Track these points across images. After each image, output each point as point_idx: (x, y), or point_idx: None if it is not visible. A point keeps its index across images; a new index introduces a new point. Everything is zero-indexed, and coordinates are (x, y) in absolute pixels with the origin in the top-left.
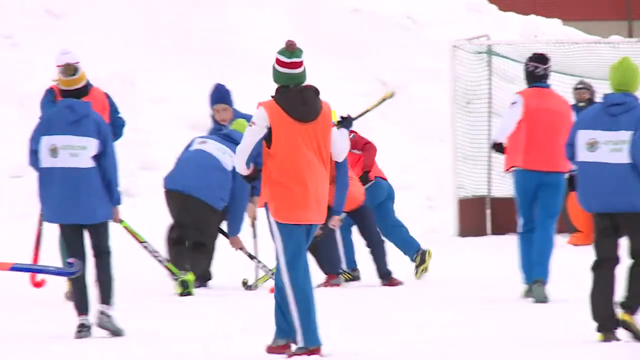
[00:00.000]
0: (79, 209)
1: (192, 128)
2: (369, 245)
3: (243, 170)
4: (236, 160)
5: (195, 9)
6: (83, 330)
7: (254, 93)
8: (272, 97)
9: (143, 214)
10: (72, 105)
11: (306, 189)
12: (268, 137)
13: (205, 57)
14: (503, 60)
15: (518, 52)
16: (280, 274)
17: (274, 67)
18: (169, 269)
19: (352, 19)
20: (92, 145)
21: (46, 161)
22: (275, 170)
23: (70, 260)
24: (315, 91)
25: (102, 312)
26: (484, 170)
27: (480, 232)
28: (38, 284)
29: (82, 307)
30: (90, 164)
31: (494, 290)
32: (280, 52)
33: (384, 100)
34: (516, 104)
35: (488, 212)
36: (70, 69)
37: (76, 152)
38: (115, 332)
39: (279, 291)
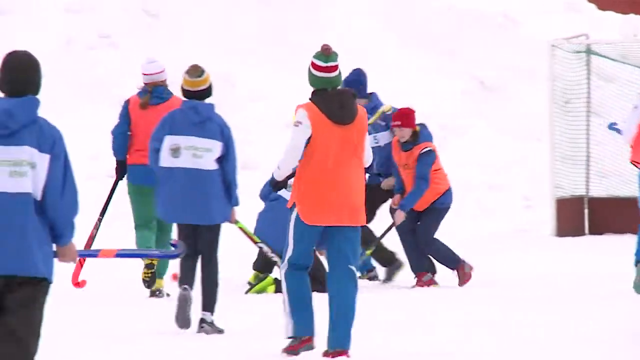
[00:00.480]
0: (198, 209)
1: (289, 127)
2: (421, 246)
3: (288, 172)
4: (286, 161)
5: (292, 7)
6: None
7: None
8: (311, 99)
9: (241, 212)
10: (196, 106)
11: (339, 191)
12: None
13: (303, 55)
14: (602, 59)
15: (617, 51)
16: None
17: (309, 71)
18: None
19: (446, 17)
20: (216, 147)
21: (167, 161)
22: (310, 172)
23: (173, 241)
24: (352, 94)
25: (203, 320)
26: (582, 170)
27: (578, 232)
28: (79, 284)
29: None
30: (214, 166)
31: (593, 288)
32: (316, 57)
33: (382, 113)
34: (638, 107)
35: (586, 212)
36: (197, 70)
37: (200, 153)
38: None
39: (296, 289)
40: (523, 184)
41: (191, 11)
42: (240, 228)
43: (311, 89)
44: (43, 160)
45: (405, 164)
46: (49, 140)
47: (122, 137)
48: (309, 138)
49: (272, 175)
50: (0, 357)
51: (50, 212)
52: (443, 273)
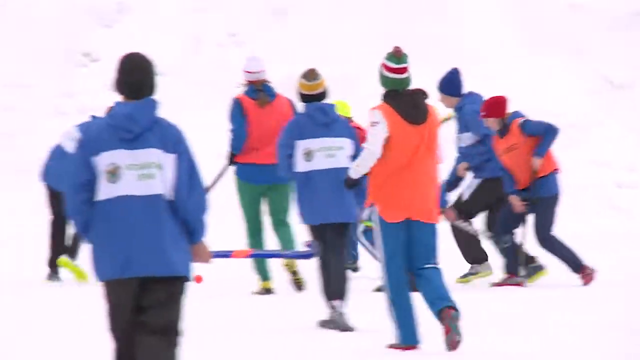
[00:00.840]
0: (342, 208)
1: None
2: (539, 243)
3: (366, 171)
4: (365, 160)
5: (418, 8)
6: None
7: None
8: (384, 100)
9: None
10: (323, 107)
11: (415, 188)
12: None
13: (428, 56)
14: None
15: None
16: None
17: (380, 73)
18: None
19: (574, 16)
20: (348, 145)
21: (302, 165)
22: (386, 170)
23: (307, 242)
24: (424, 94)
25: (334, 308)
26: None
27: None
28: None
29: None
30: (347, 163)
31: None
32: (388, 58)
33: (445, 120)
34: None
35: None
36: (313, 74)
37: (333, 152)
38: (345, 329)
39: (397, 299)
40: None
41: (319, 10)
42: (367, 226)
43: (383, 90)
44: (169, 160)
45: (508, 148)
46: (172, 140)
47: (244, 135)
48: (387, 138)
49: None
50: (144, 355)
51: (181, 211)
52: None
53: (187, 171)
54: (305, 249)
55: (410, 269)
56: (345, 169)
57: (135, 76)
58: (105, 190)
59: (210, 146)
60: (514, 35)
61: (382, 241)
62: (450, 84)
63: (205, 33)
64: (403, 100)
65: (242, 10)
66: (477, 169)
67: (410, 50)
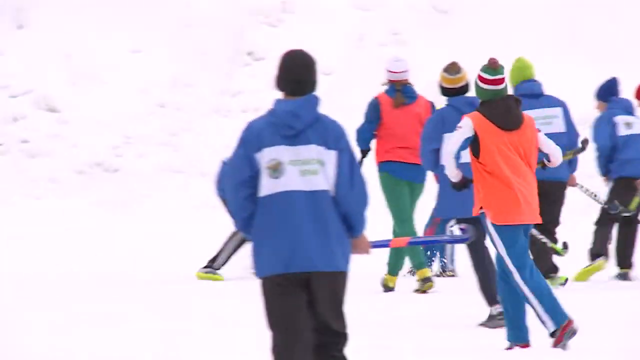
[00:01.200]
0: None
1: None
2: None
3: (454, 173)
4: (446, 163)
5: (583, 5)
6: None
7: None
8: (477, 110)
9: None
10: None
11: (516, 192)
12: (476, 148)
13: (591, 50)
14: None
15: None
16: (510, 277)
17: (476, 84)
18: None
19: None
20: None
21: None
22: (487, 177)
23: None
24: (516, 100)
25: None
26: None
27: None
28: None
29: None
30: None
31: None
32: (484, 70)
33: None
34: None
35: None
36: (455, 68)
37: None
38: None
39: (508, 298)
40: None
41: (482, 9)
42: None
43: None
44: (330, 157)
45: None
46: (334, 137)
47: (370, 136)
48: (478, 147)
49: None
50: (316, 353)
51: (343, 206)
52: None
53: (349, 167)
54: (461, 233)
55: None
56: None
57: (298, 73)
58: (267, 186)
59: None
60: None
61: (504, 246)
62: (605, 92)
63: (368, 32)
64: (495, 107)
65: (404, 9)
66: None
67: (574, 52)
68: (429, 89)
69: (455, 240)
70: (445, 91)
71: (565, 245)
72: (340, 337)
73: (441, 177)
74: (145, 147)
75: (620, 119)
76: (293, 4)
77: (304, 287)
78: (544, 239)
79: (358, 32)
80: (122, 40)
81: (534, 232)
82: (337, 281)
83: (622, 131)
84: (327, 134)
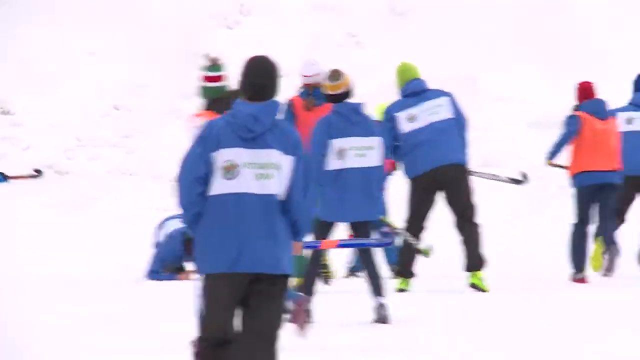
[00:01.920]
0: (370, 207)
1: (529, 126)
2: None
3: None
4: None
5: (541, 8)
6: None
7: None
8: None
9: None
10: (354, 107)
11: None
12: None
13: (551, 55)
14: None
15: None
16: None
17: (201, 84)
18: None
19: None
20: (376, 144)
21: (334, 164)
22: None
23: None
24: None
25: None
26: None
27: None
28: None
29: None
30: (377, 162)
31: None
32: (207, 69)
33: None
34: None
35: None
36: (336, 74)
37: (363, 152)
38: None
39: None
40: None
41: (439, 10)
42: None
43: None
44: (288, 162)
45: None
46: (292, 143)
47: None
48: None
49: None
50: (243, 354)
51: (294, 212)
52: None
53: (303, 173)
54: (384, 237)
55: None
56: (374, 168)
57: (261, 79)
58: (219, 186)
59: None
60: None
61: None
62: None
63: (325, 33)
64: (220, 104)
65: (361, 11)
66: None
67: (530, 55)
68: (384, 90)
69: (381, 244)
70: (329, 97)
71: (422, 248)
72: (270, 339)
73: (327, 181)
74: (98, 150)
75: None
76: (250, 6)
77: (245, 288)
78: (412, 240)
79: (315, 34)
80: (78, 42)
81: (404, 233)
82: (280, 284)
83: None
84: (286, 140)
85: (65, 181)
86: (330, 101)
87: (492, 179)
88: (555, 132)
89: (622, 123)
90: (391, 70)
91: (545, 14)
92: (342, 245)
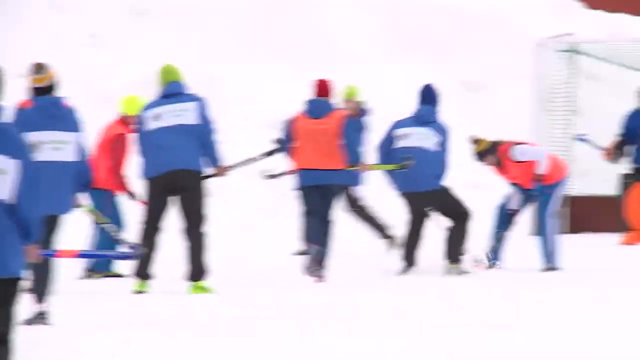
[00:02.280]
0: (59, 201)
1: (272, 126)
2: None
3: None
4: None
5: (284, 6)
6: None
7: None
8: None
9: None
10: (55, 101)
11: None
12: None
13: (293, 55)
14: (588, 58)
15: (603, 51)
16: None
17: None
18: None
19: (434, 16)
20: (75, 139)
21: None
22: None
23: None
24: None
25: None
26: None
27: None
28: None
29: None
30: (72, 157)
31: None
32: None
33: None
34: None
35: (568, 210)
36: (40, 67)
37: (59, 146)
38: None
39: None
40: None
41: (179, 10)
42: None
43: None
44: (13, 166)
45: None
46: (16, 145)
47: None
48: None
49: None
50: None
51: (22, 214)
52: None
53: (30, 176)
54: (128, 250)
55: None
56: (70, 163)
57: None
58: None
59: None
60: (378, 35)
61: None
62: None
63: (66, 33)
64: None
65: (100, 11)
66: None
67: (272, 54)
68: (126, 89)
69: (123, 257)
70: (33, 91)
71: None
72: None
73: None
74: None
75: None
76: None
77: None
78: (114, 232)
79: (55, 34)
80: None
81: (111, 228)
82: (8, 287)
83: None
84: (10, 143)
85: None
86: (35, 94)
87: (251, 163)
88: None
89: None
90: (131, 70)
91: (285, 10)
92: (83, 255)
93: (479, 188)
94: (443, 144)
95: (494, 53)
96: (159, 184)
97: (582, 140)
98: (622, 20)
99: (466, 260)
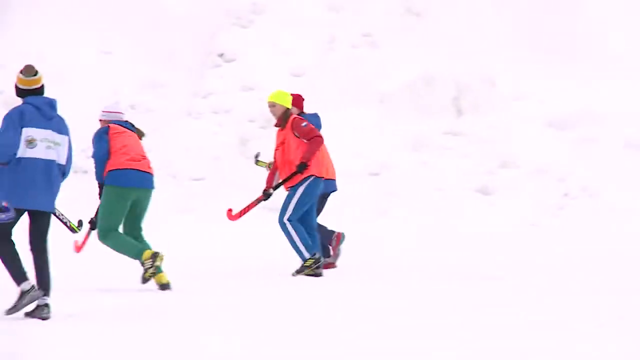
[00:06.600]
0: (50, 198)
1: (549, 126)
2: None
3: None
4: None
5: (555, 10)
6: None
7: (621, 96)
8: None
9: (499, 211)
10: (50, 102)
11: None
12: None
13: (569, 58)
14: None
15: None
16: None
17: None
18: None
19: None
20: (65, 142)
21: (22, 151)
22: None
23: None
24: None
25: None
26: None
27: None
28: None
29: None
30: (62, 159)
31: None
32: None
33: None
34: None
35: None
36: (31, 70)
37: (51, 145)
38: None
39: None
40: None
41: (454, 10)
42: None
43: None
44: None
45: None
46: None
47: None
48: None
49: None
50: None
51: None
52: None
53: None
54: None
55: None
56: (60, 165)
57: None
58: None
59: (345, 146)
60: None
61: None
62: None
63: (339, 33)
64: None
65: (376, 11)
66: None
67: (545, 55)
68: (401, 90)
69: None
70: (21, 92)
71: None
72: None
73: (11, 166)
74: None
75: None
76: (263, 5)
77: None
78: (64, 218)
79: (329, 34)
80: (93, 42)
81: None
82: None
83: None
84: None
85: (83, 180)
86: (22, 95)
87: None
88: (572, 132)
89: None
90: (407, 71)
91: (561, 13)
92: None
93: None
94: None
95: None
96: None
97: None
98: None
99: None
